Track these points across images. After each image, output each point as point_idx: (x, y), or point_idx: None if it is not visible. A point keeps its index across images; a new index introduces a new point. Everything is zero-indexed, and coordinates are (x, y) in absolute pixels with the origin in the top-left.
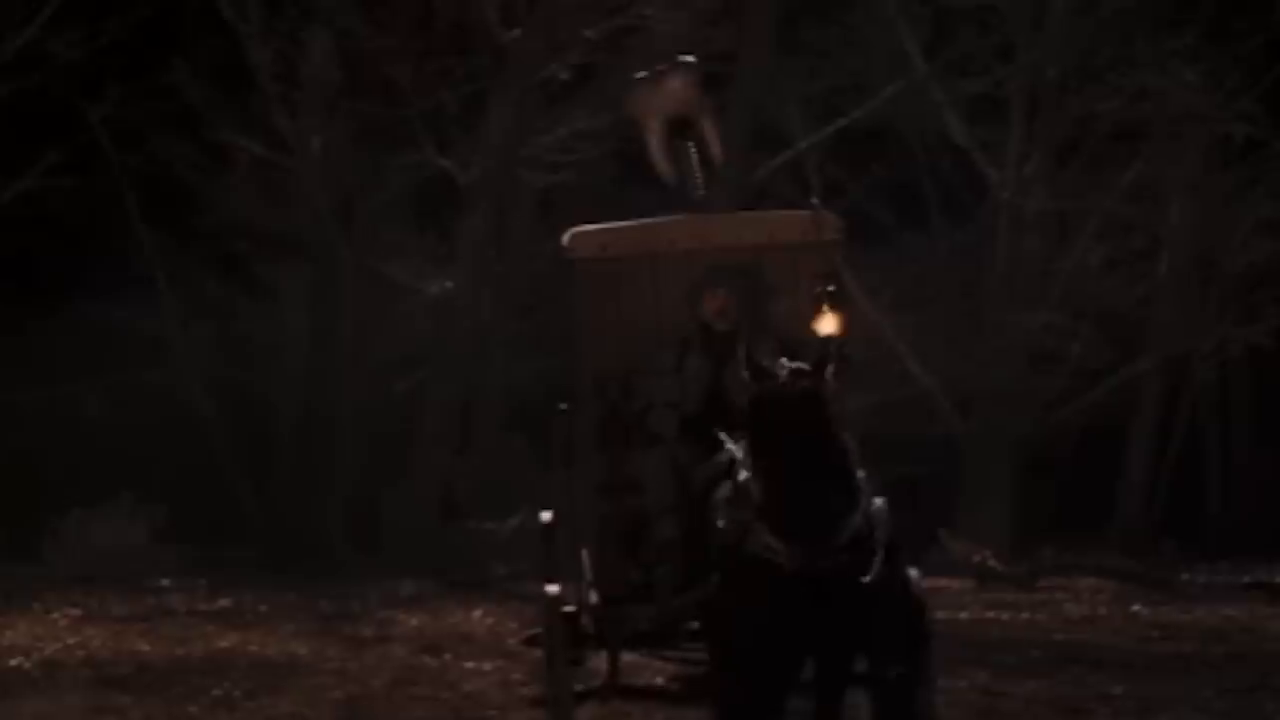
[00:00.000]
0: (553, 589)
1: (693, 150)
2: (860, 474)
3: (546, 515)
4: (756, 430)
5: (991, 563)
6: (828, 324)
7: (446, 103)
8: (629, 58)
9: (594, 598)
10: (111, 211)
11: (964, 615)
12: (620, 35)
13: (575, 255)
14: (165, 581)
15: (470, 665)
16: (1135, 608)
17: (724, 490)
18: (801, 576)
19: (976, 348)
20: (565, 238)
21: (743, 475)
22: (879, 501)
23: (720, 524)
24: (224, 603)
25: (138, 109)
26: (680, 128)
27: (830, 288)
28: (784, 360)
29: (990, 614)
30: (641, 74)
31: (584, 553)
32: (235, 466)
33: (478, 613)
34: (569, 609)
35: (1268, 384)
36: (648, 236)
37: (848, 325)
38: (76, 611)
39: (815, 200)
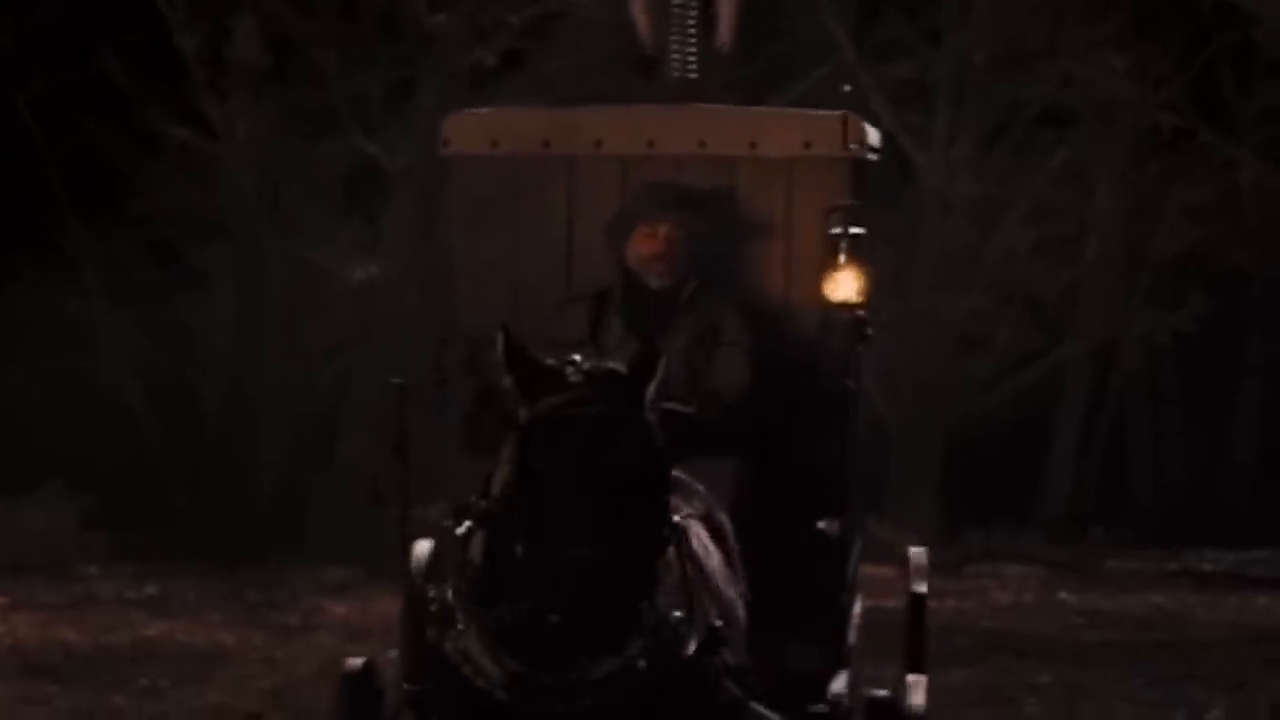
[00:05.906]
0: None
1: (691, 12)
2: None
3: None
4: (520, 480)
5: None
6: (844, 284)
7: (373, 88)
8: (555, 44)
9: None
10: (38, 197)
11: (891, 603)
12: (547, 21)
13: (451, 151)
14: (93, 569)
15: (397, 654)
16: (1062, 595)
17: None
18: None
19: (903, 333)
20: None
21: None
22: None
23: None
24: (151, 590)
25: (65, 95)
26: None
27: (853, 229)
28: (576, 358)
29: None
30: None
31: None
32: (163, 453)
33: None
34: None
35: (1195, 370)
36: (562, 130)
37: (871, 290)
38: (3, 599)
39: (848, 88)
